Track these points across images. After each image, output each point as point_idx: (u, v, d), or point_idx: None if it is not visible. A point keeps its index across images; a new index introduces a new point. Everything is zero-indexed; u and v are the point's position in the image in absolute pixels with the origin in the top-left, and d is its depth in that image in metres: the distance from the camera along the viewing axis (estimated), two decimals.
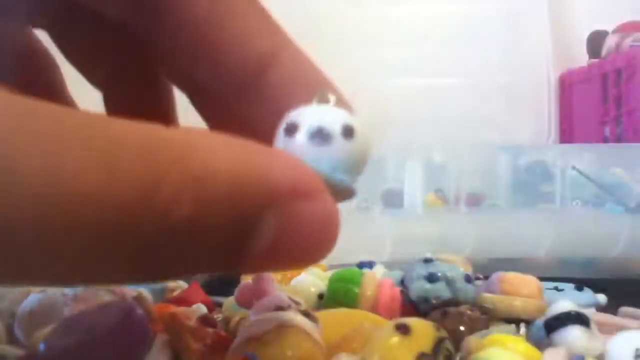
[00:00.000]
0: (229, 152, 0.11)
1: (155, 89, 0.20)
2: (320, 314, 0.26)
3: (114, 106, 0.20)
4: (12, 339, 0.24)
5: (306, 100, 0.14)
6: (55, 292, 0.25)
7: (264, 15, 0.15)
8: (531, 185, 0.61)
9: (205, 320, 0.26)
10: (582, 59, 1.01)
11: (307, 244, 0.12)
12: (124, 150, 0.10)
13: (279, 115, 0.14)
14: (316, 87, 0.15)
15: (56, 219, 0.09)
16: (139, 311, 0.21)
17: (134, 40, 0.18)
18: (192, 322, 0.24)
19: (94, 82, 0.20)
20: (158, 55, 0.18)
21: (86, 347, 0.20)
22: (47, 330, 0.22)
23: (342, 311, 0.29)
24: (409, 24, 1.00)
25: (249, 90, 0.15)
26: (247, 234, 0.11)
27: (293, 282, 0.34)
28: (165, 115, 0.20)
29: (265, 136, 0.14)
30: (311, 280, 0.34)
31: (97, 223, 0.09)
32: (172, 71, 0.19)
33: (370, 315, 0.28)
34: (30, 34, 0.19)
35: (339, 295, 0.32)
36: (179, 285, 0.36)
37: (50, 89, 0.20)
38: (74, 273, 0.10)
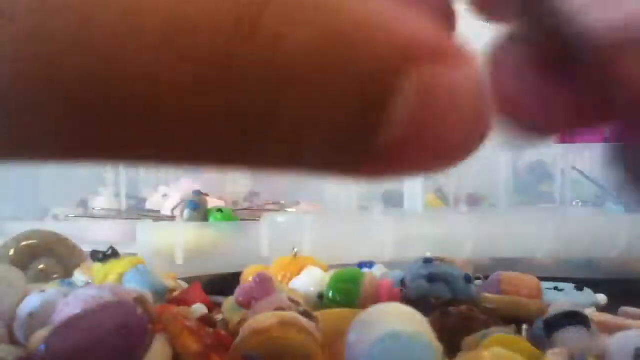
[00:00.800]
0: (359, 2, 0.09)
1: None
2: (320, 314, 0.26)
3: None
4: (13, 340, 0.24)
5: None
6: (54, 294, 0.25)
7: None
8: (531, 185, 0.61)
9: (205, 320, 0.26)
10: None
11: (453, 126, 0.09)
12: None
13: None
14: None
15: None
16: (139, 312, 0.21)
17: None
18: (192, 323, 0.24)
19: None
20: None
21: (86, 347, 0.20)
22: (46, 331, 0.22)
23: (342, 311, 0.29)
24: None
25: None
26: (377, 108, 0.09)
27: (293, 282, 0.34)
28: None
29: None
30: (311, 280, 0.34)
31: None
32: None
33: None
34: None
35: (339, 295, 0.32)
36: (179, 286, 0.36)
37: None
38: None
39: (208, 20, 0.08)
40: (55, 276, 0.33)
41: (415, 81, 0.09)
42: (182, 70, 0.08)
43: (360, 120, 0.09)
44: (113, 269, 0.31)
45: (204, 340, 0.23)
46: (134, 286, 0.30)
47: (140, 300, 0.23)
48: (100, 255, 0.32)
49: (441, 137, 0.09)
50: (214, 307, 0.32)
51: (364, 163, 0.09)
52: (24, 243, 0.33)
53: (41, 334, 0.22)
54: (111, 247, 0.32)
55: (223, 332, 0.25)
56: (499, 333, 0.25)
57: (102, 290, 0.24)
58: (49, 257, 0.33)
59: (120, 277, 0.31)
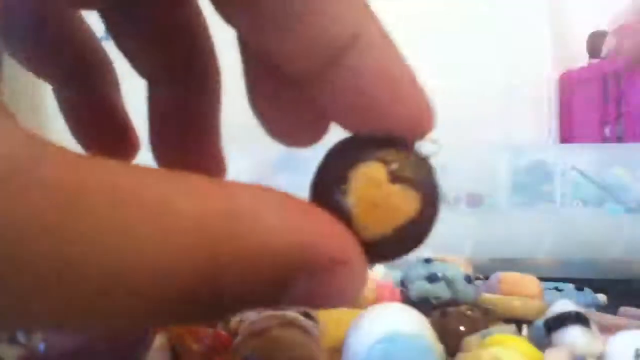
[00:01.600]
0: (280, 218, 0.12)
1: (204, 85, 0.19)
2: (320, 314, 0.26)
3: (157, 99, 0.19)
4: (12, 339, 0.25)
5: (379, 89, 0.14)
6: None
7: None
8: (531, 185, 0.61)
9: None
10: (582, 59, 1.01)
11: (336, 298, 0.13)
12: (184, 227, 0.11)
13: (350, 100, 0.14)
14: (391, 79, 0.14)
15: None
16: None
17: (190, 28, 0.18)
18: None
19: (141, 72, 0.19)
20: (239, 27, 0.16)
21: (85, 347, 0.20)
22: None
23: (342, 311, 0.29)
24: (408, 23, 1.00)
25: (324, 73, 0.14)
26: (281, 289, 0.12)
27: None
28: (208, 113, 0.19)
29: (332, 118, 0.14)
30: None
31: (160, 290, 0.11)
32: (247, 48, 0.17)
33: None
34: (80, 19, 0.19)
35: None
36: None
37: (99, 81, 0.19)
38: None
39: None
40: None
41: (308, 275, 0.12)
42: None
43: (274, 293, 0.12)
44: None
45: (204, 341, 0.23)
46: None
47: None
48: None
49: (326, 299, 0.13)
50: None
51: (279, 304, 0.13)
52: None
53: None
54: None
55: (223, 332, 0.25)
56: (499, 333, 0.25)
57: None
58: None
59: None
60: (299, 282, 0.12)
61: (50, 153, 0.10)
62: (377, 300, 0.31)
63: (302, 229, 0.12)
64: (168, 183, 0.11)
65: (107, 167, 0.11)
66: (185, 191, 0.11)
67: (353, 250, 0.13)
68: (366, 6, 0.14)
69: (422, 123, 0.15)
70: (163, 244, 0.11)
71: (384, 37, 0.14)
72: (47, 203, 0.10)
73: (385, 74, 0.14)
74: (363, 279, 0.13)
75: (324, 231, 0.12)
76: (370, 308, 0.23)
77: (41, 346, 0.21)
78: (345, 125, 0.14)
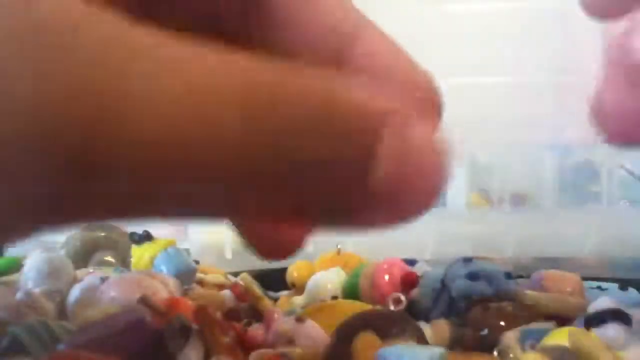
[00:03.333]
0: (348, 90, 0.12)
1: None
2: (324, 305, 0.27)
3: None
4: (61, 317, 0.27)
5: (383, 83, 0.14)
6: (93, 280, 0.29)
7: None
8: (578, 185, 0.60)
9: (230, 315, 0.27)
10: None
11: (424, 170, 0.12)
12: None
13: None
14: (395, 71, 0.15)
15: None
16: (147, 319, 0.23)
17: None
18: (219, 315, 0.25)
19: None
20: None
21: (107, 339, 0.22)
22: (91, 312, 0.26)
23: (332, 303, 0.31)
24: (456, 21, 0.99)
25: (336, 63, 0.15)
26: (367, 162, 0.11)
27: (311, 279, 0.35)
28: None
29: None
30: (329, 278, 0.35)
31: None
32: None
33: (357, 304, 0.30)
34: None
35: (352, 290, 0.33)
36: (228, 281, 0.37)
37: None
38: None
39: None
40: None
41: (391, 139, 0.11)
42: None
43: (357, 165, 0.11)
44: (146, 251, 0.33)
45: (230, 334, 0.24)
46: (163, 269, 0.32)
47: (145, 299, 0.24)
48: (136, 237, 0.34)
49: (417, 184, 0.12)
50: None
51: (361, 209, 0.12)
52: (88, 235, 0.36)
53: (86, 315, 0.26)
54: (145, 230, 0.34)
55: (246, 328, 0.27)
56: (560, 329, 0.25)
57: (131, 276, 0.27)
58: (109, 249, 0.36)
59: (152, 260, 0.33)
60: (382, 150, 0.11)
61: None
62: (380, 290, 0.32)
63: (380, 99, 0.12)
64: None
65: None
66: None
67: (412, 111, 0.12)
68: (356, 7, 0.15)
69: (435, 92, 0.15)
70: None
71: (382, 35, 0.15)
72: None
73: (386, 71, 0.15)
74: (436, 140, 0.12)
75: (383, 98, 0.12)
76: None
77: (59, 347, 0.22)
78: None
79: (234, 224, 0.17)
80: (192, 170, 0.10)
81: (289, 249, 0.17)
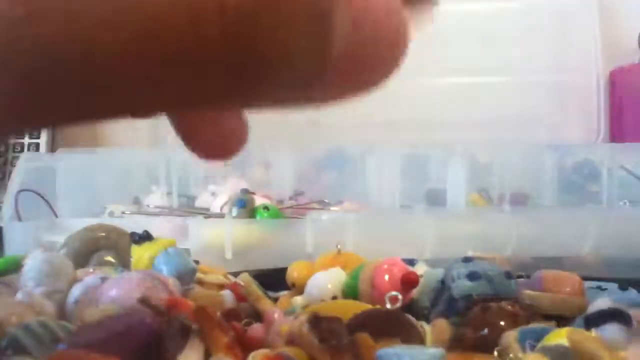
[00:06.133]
0: None
1: None
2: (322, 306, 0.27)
3: None
4: (61, 317, 0.27)
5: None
6: (93, 280, 0.29)
7: None
8: (578, 185, 0.60)
9: (229, 315, 0.27)
10: (632, 56, 0.98)
11: (382, 35, 0.12)
12: None
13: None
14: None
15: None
16: (147, 319, 0.23)
17: None
18: (219, 315, 0.25)
19: None
20: None
21: (107, 340, 0.22)
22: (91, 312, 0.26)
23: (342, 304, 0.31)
24: (455, 21, 0.99)
25: None
26: (326, 21, 0.11)
27: (311, 279, 0.35)
28: None
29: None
30: (329, 278, 0.35)
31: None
32: None
33: (357, 304, 0.30)
34: None
35: (351, 290, 0.33)
36: (228, 281, 0.37)
37: None
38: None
39: None
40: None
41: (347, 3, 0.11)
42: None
43: (316, 29, 0.11)
44: (146, 251, 0.33)
45: (229, 334, 0.24)
46: (163, 269, 0.32)
47: (144, 300, 0.24)
48: (136, 237, 0.34)
49: (374, 49, 0.12)
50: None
51: (321, 73, 0.11)
52: (88, 235, 0.36)
53: (85, 313, 0.26)
54: (145, 230, 0.34)
55: (245, 328, 0.27)
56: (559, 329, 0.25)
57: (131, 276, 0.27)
58: (109, 249, 0.36)
59: (152, 260, 0.33)
60: (338, 12, 0.11)
61: None
62: (379, 289, 0.32)
63: None
64: None
65: None
66: None
67: None
68: None
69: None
70: None
71: None
72: None
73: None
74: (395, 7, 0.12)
75: None
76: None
77: (60, 347, 0.22)
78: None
79: (173, 124, 0.16)
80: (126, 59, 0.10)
81: (231, 146, 0.16)
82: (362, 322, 0.26)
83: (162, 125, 0.71)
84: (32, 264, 0.29)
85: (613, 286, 0.34)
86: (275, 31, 0.11)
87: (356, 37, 0.11)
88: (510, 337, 0.25)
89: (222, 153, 0.17)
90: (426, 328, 0.28)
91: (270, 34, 0.10)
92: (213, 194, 0.60)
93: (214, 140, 0.16)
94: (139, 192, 0.64)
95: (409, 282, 0.32)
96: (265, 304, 0.32)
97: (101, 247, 0.36)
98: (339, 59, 0.11)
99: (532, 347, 0.24)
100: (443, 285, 0.33)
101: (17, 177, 0.54)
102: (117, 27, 0.10)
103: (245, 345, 0.25)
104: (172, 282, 0.29)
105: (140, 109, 0.12)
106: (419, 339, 0.26)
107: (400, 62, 0.12)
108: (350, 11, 0.11)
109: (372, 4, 0.11)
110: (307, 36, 0.11)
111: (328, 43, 0.11)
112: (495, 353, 0.25)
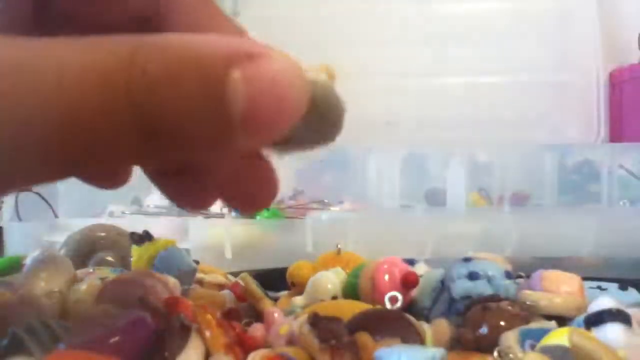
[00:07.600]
0: (189, 37, 0.13)
1: None
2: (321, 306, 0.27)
3: None
4: (62, 317, 0.27)
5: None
6: (95, 280, 0.29)
7: None
8: (578, 184, 0.60)
9: (229, 314, 0.27)
10: (632, 56, 0.98)
11: (276, 101, 0.13)
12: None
13: None
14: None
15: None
16: (148, 319, 0.23)
17: None
18: (219, 315, 0.25)
19: None
20: None
21: (104, 338, 0.22)
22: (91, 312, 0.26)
23: (340, 303, 0.31)
24: (457, 21, 0.99)
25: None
26: (219, 98, 0.12)
27: (311, 279, 0.35)
28: None
29: None
30: (329, 278, 0.35)
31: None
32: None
33: (357, 304, 0.30)
34: None
35: (352, 290, 0.33)
36: (228, 281, 0.37)
37: None
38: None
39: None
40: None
41: (241, 73, 0.13)
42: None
43: (211, 94, 0.13)
44: (146, 251, 0.33)
45: (229, 334, 0.24)
46: (163, 269, 0.32)
47: (144, 301, 0.24)
48: (136, 237, 0.34)
49: (267, 109, 0.13)
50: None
51: (230, 131, 0.13)
52: (88, 235, 0.36)
53: (85, 313, 0.26)
54: (145, 231, 0.34)
55: (245, 329, 0.27)
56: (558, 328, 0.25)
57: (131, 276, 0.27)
58: (109, 249, 0.36)
59: (152, 260, 0.33)
60: (233, 85, 0.12)
61: None
62: (380, 289, 0.32)
63: (213, 39, 0.13)
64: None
65: None
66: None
67: (263, 48, 0.13)
68: None
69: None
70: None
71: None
72: None
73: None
74: (292, 71, 0.13)
75: (230, 40, 0.14)
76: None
77: (60, 346, 0.22)
78: None
79: (155, 182, 0.19)
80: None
81: (267, 195, 0.19)
82: (362, 322, 0.26)
83: None
84: (32, 264, 0.29)
85: (613, 286, 0.34)
86: (175, 100, 0.12)
87: (256, 99, 0.13)
88: (510, 337, 0.25)
89: (259, 203, 0.20)
90: (426, 328, 0.28)
91: (171, 102, 0.12)
92: None
93: (250, 193, 0.19)
94: (139, 192, 0.64)
95: (409, 282, 0.32)
96: (265, 304, 0.32)
97: (101, 247, 0.36)
98: (243, 120, 0.13)
99: (532, 347, 0.24)
100: (443, 285, 0.33)
101: None
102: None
103: (245, 345, 0.25)
104: (172, 282, 0.29)
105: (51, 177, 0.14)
106: (419, 339, 0.26)
107: (295, 117, 0.14)
108: (254, 78, 0.13)
109: (272, 73, 0.13)
110: (204, 101, 0.12)
111: (225, 107, 0.12)
112: (495, 353, 0.25)
